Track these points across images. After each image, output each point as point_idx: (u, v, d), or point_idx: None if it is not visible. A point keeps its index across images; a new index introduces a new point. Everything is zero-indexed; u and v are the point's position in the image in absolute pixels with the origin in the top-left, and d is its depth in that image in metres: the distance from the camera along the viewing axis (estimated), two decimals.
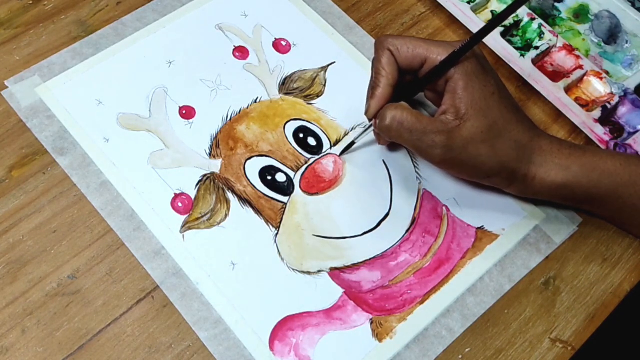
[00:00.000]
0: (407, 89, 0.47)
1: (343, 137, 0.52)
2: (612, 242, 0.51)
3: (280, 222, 0.48)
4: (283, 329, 0.45)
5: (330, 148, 0.52)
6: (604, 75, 0.56)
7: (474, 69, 0.44)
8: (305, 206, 0.49)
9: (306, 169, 0.51)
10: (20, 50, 0.54)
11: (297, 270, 0.47)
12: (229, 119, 0.52)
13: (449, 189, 0.51)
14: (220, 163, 0.50)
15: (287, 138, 0.52)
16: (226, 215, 0.48)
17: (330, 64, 0.56)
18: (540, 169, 0.45)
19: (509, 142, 0.44)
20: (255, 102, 0.53)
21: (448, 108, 0.44)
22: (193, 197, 0.49)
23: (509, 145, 0.44)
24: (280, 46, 0.57)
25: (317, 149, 0.52)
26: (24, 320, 0.44)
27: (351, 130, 0.53)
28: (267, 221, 0.48)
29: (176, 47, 0.55)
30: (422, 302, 0.46)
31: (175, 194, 0.49)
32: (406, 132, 0.44)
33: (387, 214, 0.50)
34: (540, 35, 0.58)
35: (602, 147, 0.52)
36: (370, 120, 0.47)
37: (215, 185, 0.49)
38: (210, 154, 0.51)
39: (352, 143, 0.51)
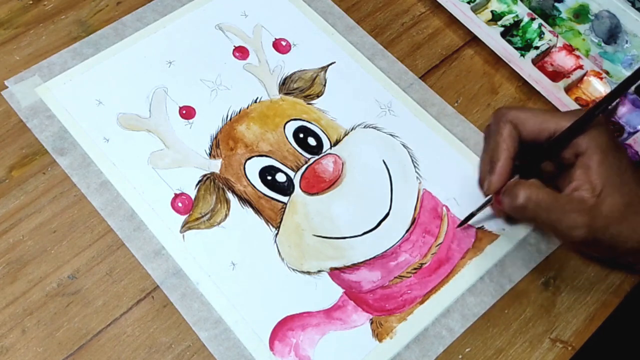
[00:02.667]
0: (529, 160, 0.45)
1: (343, 137, 0.52)
2: None
3: (280, 222, 0.48)
4: (283, 329, 0.45)
5: (330, 148, 0.52)
6: (604, 75, 0.56)
7: (608, 142, 0.42)
8: (305, 206, 0.49)
9: (306, 169, 0.51)
10: (20, 50, 0.54)
11: (297, 270, 0.47)
12: (229, 119, 0.52)
13: (449, 189, 0.51)
14: (220, 163, 0.50)
15: (287, 138, 0.52)
16: (226, 215, 0.48)
17: (330, 64, 0.56)
18: None
19: None
20: (255, 102, 0.53)
21: (581, 184, 0.42)
22: (193, 197, 0.49)
23: None
24: (280, 46, 0.57)
25: (317, 149, 0.52)
26: (24, 320, 0.44)
27: (351, 129, 0.53)
28: (267, 221, 0.48)
29: (176, 47, 0.55)
30: (422, 302, 0.46)
31: (175, 194, 0.49)
32: (543, 212, 0.41)
33: (387, 214, 0.50)
34: (540, 35, 0.58)
35: None
36: (488, 195, 0.45)
37: (215, 185, 0.49)
38: (210, 154, 0.51)
39: (472, 215, 0.48)
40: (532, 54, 0.56)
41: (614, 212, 0.41)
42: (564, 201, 0.42)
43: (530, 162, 0.45)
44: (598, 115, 0.42)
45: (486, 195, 0.45)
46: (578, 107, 0.54)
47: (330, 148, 0.52)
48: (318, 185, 0.50)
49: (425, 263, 0.48)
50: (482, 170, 0.46)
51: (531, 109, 0.45)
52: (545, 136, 0.44)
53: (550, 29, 0.58)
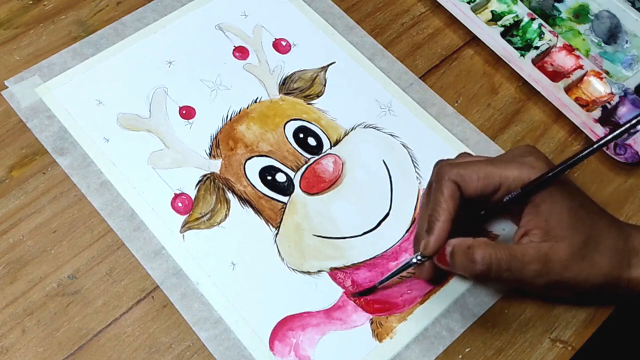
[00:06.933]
0: (475, 219, 0.45)
1: (343, 137, 0.52)
2: None
3: (280, 222, 0.48)
4: (283, 329, 0.45)
5: (330, 148, 0.52)
6: (604, 75, 0.56)
7: (556, 185, 0.42)
8: (305, 206, 0.49)
9: (306, 169, 0.51)
10: (20, 50, 0.54)
11: (297, 270, 0.47)
12: (229, 119, 0.52)
13: None
14: (220, 163, 0.50)
15: (287, 138, 0.52)
16: (226, 215, 0.48)
17: (330, 64, 0.56)
18: None
19: (606, 251, 0.42)
20: (255, 102, 0.53)
21: (531, 229, 0.41)
22: (193, 197, 0.49)
23: (607, 254, 0.42)
24: (280, 46, 0.57)
25: (317, 149, 0.52)
26: (24, 320, 0.44)
27: (351, 129, 0.53)
28: (267, 221, 0.48)
29: (176, 47, 0.55)
30: (422, 302, 0.46)
31: (175, 194, 0.49)
32: (505, 271, 0.40)
33: (387, 214, 0.50)
34: (540, 35, 0.58)
35: None
36: (426, 256, 0.43)
37: (215, 185, 0.49)
38: (210, 154, 0.51)
39: (374, 288, 0.46)
40: (532, 54, 0.56)
41: (573, 252, 0.41)
42: (520, 254, 0.41)
43: (478, 219, 0.45)
44: (558, 177, 0.41)
45: (422, 255, 0.43)
46: (578, 107, 0.54)
47: (330, 148, 0.52)
48: (318, 185, 0.50)
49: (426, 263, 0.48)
50: (419, 227, 0.45)
51: (472, 163, 0.43)
52: (490, 190, 0.43)
53: (550, 29, 0.58)
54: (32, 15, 0.56)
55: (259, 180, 0.50)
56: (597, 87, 0.56)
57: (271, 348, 0.44)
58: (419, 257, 0.43)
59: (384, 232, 0.49)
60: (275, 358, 0.44)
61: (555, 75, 0.57)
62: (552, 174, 0.41)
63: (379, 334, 0.45)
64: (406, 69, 0.56)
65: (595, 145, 0.40)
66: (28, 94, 0.52)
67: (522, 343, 0.46)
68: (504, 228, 0.49)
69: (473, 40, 0.59)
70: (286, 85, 0.55)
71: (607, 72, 0.57)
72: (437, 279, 0.47)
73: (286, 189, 0.50)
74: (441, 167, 0.44)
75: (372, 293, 0.46)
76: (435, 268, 0.44)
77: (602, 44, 0.60)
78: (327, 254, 0.48)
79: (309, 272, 0.47)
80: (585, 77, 0.56)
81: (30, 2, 0.57)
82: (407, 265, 0.44)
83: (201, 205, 0.49)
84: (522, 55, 0.56)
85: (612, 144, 0.52)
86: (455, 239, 0.42)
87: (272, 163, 0.51)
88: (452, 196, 0.42)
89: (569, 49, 0.57)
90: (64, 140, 0.50)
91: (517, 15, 0.59)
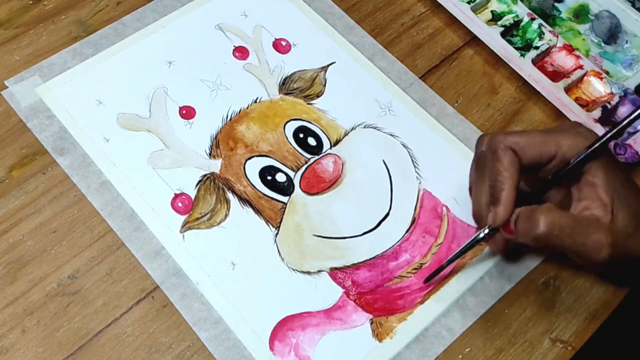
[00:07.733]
0: (539, 188, 0.44)
1: (343, 137, 0.52)
2: None
3: (280, 222, 0.48)
4: (283, 329, 0.45)
5: (330, 148, 0.52)
6: (604, 75, 0.56)
7: (608, 157, 0.42)
8: (305, 206, 0.49)
9: (306, 169, 0.51)
10: (20, 50, 0.54)
11: (297, 270, 0.47)
12: (229, 119, 0.52)
13: (449, 189, 0.51)
14: (220, 163, 0.50)
15: (287, 138, 0.52)
16: (226, 215, 0.48)
17: (330, 64, 0.56)
18: None
19: None
20: (255, 102, 0.53)
21: (592, 202, 0.41)
22: (193, 197, 0.49)
23: None
24: (280, 46, 0.57)
25: (317, 149, 0.52)
26: (24, 320, 0.44)
27: (351, 129, 0.53)
28: (267, 221, 0.48)
29: (176, 47, 0.55)
30: (422, 302, 0.46)
31: (175, 194, 0.49)
32: (567, 237, 0.40)
33: (387, 214, 0.50)
34: (540, 35, 0.58)
35: None
36: (493, 227, 0.42)
37: (215, 185, 0.49)
38: (210, 154, 0.51)
39: (442, 268, 0.45)
40: (532, 54, 0.56)
41: (627, 225, 0.41)
42: (585, 223, 0.40)
43: (539, 189, 0.44)
44: (611, 140, 0.41)
45: (490, 227, 0.42)
46: (578, 107, 0.54)
47: (330, 148, 0.52)
48: (318, 185, 0.50)
49: (425, 263, 0.48)
50: (478, 202, 0.44)
51: (530, 133, 0.43)
52: (545, 159, 0.42)
53: (550, 29, 0.58)
54: (32, 15, 0.56)
55: (259, 180, 0.50)
56: (597, 87, 0.56)
57: (271, 348, 0.44)
58: (486, 231, 0.43)
59: (384, 232, 0.49)
60: (275, 358, 0.44)
61: (555, 75, 0.57)
62: (617, 130, 0.41)
63: (379, 334, 0.45)
64: (406, 69, 0.56)
65: None
66: (28, 94, 0.52)
67: (522, 343, 0.46)
68: None
69: (473, 40, 0.59)
70: (286, 85, 0.55)
71: (607, 72, 0.57)
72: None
73: (286, 189, 0.50)
74: (493, 136, 0.43)
75: (440, 273, 0.46)
76: (506, 240, 0.43)
77: (602, 44, 0.60)
78: (327, 254, 0.48)
79: (309, 272, 0.47)
80: (585, 77, 0.56)
81: (30, 2, 0.57)
82: (476, 240, 0.43)
83: (201, 205, 0.49)
84: (522, 55, 0.56)
85: (612, 144, 0.52)
86: (521, 207, 0.41)
87: (272, 163, 0.51)
88: (512, 163, 0.41)
89: (569, 49, 0.57)
90: (64, 140, 0.50)
91: (517, 15, 0.59)
